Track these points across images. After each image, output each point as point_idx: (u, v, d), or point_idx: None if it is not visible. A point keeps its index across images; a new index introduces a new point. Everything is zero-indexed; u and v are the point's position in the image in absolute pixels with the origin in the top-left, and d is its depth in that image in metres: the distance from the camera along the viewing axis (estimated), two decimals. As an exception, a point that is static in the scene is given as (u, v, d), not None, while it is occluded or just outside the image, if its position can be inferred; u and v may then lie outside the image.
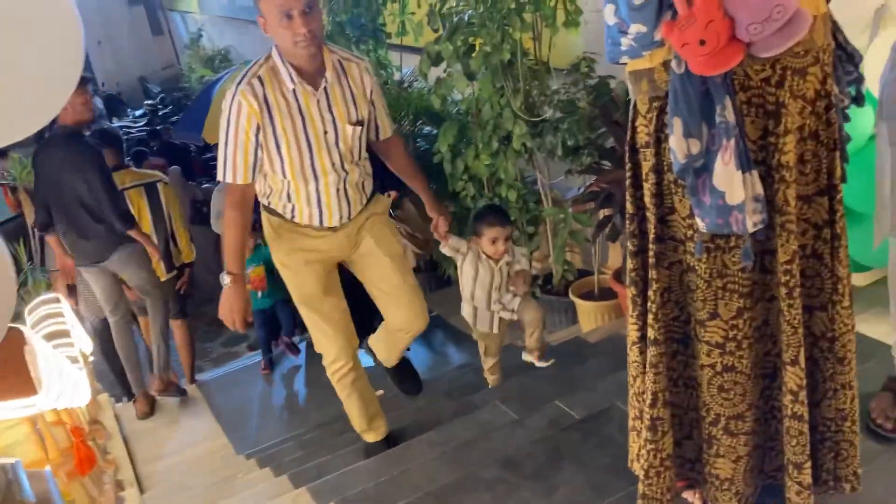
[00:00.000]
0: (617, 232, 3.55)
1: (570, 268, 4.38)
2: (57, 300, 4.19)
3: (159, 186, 4.95)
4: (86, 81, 4.76)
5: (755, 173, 1.53)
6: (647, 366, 1.78)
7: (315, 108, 2.53)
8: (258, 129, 2.49)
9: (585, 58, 3.97)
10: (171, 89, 16.51)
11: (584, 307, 4.18)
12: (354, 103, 2.61)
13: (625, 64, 1.67)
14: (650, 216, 1.70)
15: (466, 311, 3.37)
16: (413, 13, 5.42)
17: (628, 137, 1.72)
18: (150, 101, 15.81)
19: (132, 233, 4.38)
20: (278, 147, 2.52)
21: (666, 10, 1.47)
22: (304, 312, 2.85)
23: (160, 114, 14.25)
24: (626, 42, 1.57)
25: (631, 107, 1.71)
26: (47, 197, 4.34)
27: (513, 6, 3.95)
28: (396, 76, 5.81)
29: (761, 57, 1.48)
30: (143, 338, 5.37)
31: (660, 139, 1.63)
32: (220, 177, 2.55)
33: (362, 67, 2.65)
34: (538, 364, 3.35)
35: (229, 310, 2.62)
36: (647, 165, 1.68)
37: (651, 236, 1.70)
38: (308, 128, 2.53)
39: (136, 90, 18.52)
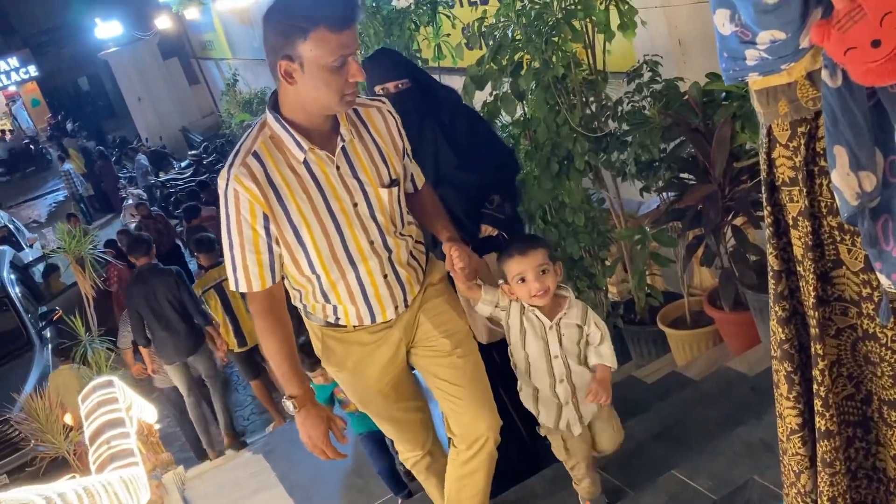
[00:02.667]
0: (711, 255, 3.14)
1: (654, 293, 3.94)
2: (110, 384, 4.03)
3: (224, 285, 5.50)
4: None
5: (956, 210, 1.13)
6: (820, 463, 1.37)
7: (335, 177, 2.00)
8: (266, 219, 1.96)
9: (647, 61, 3.57)
10: (213, 137, 16.58)
11: (675, 337, 3.75)
12: (384, 159, 2.08)
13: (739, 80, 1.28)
14: (805, 272, 1.30)
15: (525, 394, 2.41)
16: (448, 34, 5.10)
17: (763, 173, 1.33)
18: (193, 151, 15.88)
19: (209, 329, 5.51)
20: (298, 235, 2.00)
21: (814, 7, 1.07)
22: (368, 412, 2.42)
23: (205, 162, 14.25)
24: (753, 55, 1.19)
25: (762, 134, 1.32)
26: (145, 319, 5.36)
27: (559, 15, 3.59)
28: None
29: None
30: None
31: (812, 174, 1.24)
32: (232, 286, 2.05)
33: (384, 111, 2.13)
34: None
35: (309, 438, 2.09)
36: (794, 208, 1.28)
37: (811, 299, 1.30)
38: (332, 203, 2.00)
39: (180, 141, 18.67)
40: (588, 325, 2.29)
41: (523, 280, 2.24)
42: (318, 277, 2.07)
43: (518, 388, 2.41)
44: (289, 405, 2.09)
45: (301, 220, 1.98)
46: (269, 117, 1.97)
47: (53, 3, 26.10)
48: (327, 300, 2.12)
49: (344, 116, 2.00)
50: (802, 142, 1.23)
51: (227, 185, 1.94)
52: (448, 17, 4.99)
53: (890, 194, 1.14)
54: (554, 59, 3.64)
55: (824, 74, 1.14)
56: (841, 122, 1.13)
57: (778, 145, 1.28)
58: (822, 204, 1.24)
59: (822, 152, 1.20)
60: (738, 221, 3.17)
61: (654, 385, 3.41)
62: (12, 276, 8.47)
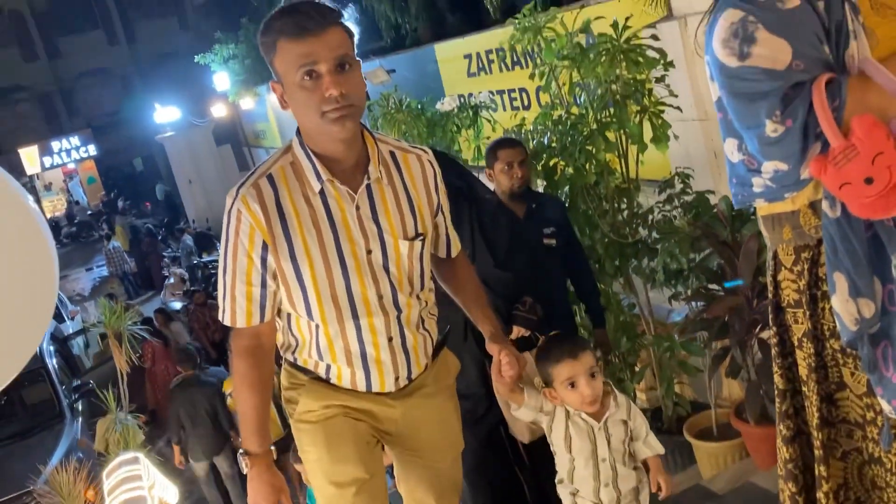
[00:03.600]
0: (737, 367, 3.13)
1: (681, 401, 3.92)
2: (136, 460, 4.09)
3: None
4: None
5: (955, 340, 1.16)
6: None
7: (353, 217, 1.79)
8: (265, 248, 1.76)
9: (679, 173, 3.66)
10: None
11: (702, 448, 3.69)
12: (413, 210, 1.86)
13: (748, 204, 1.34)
14: (809, 393, 1.33)
15: (562, 495, 2.25)
16: (488, 137, 5.27)
17: (770, 294, 1.38)
18: (238, 235, 16.15)
19: (233, 433, 5.95)
20: (299, 273, 1.78)
21: (814, 141, 1.15)
22: (325, 496, 1.98)
23: (247, 246, 14.48)
24: (759, 182, 1.26)
25: (770, 257, 1.37)
26: (182, 420, 6.03)
27: (594, 126, 3.72)
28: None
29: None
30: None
31: (815, 298, 1.29)
32: (220, 315, 1.86)
33: (424, 160, 1.91)
34: None
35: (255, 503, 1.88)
36: (799, 329, 1.33)
37: (815, 420, 1.32)
38: (343, 244, 1.78)
39: (225, 225, 19.07)
40: (633, 418, 2.18)
41: (573, 385, 2.07)
42: (317, 328, 1.86)
43: (557, 481, 2.27)
44: (244, 462, 1.88)
45: (304, 257, 1.77)
46: (295, 141, 1.81)
47: (118, 88, 27.51)
48: (321, 357, 1.89)
49: (376, 154, 1.83)
50: (806, 266, 1.28)
51: (232, 203, 1.78)
52: (489, 121, 5.17)
53: (889, 322, 1.18)
54: (588, 166, 3.76)
55: (825, 205, 1.20)
56: (840, 251, 1.19)
57: (783, 269, 1.33)
58: (825, 327, 1.28)
59: (824, 277, 1.25)
60: (765, 335, 3.17)
61: (677, 497, 3.35)
62: (51, 348, 8.65)
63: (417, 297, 1.90)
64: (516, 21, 4.05)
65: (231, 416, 6.09)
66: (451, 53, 8.43)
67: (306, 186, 1.78)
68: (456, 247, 2.09)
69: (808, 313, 1.29)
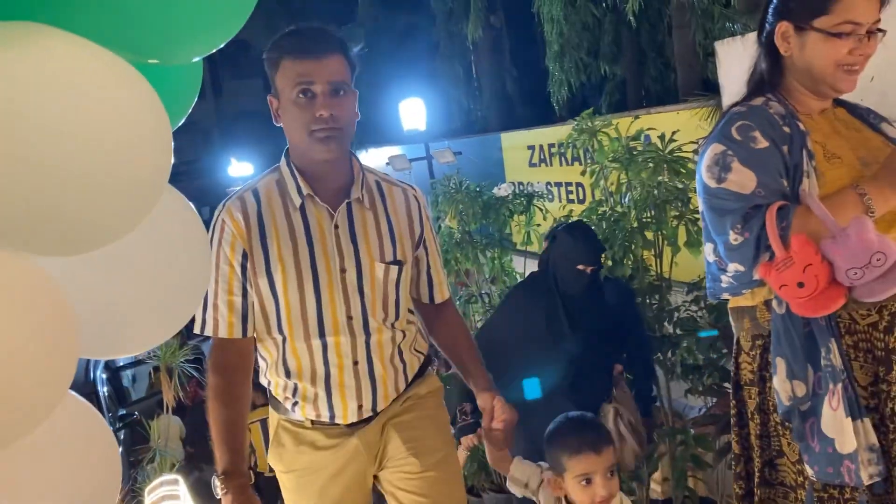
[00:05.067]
0: (738, 460, 3.34)
1: (691, 495, 4.10)
2: (176, 482, 4.39)
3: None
4: None
5: (867, 421, 1.45)
6: None
7: (330, 235, 1.81)
8: (245, 257, 1.79)
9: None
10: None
11: (705, 541, 3.86)
12: (392, 237, 1.87)
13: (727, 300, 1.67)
14: (756, 458, 1.62)
15: None
16: (539, 224, 5.64)
17: (732, 373, 1.68)
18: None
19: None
20: (272, 284, 1.79)
21: (764, 251, 1.48)
22: None
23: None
24: (725, 279, 1.58)
25: (734, 342, 1.68)
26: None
27: (635, 224, 4.04)
28: (519, 283, 5.96)
29: (866, 301, 1.44)
30: None
31: (764, 378, 1.59)
32: (196, 327, 1.81)
33: (410, 194, 1.96)
34: None
35: None
36: (752, 404, 1.63)
37: (756, 479, 1.61)
38: (318, 260, 1.79)
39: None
40: None
41: (588, 482, 1.82)
42: (284, 340, 1.84)
43: None
44: (217, 484, 1.79)
45: (279, 269, 1.78)
46: (283, 160, 1.87)
47: (198, 138, 28.90)
48: (288, 375, 1.86)
49: (360, 178, 1.87)
50: (758, 352, 1.59)
51: (218, 215, 1.84)
52: (541, 209, 5.56)
53: (817, 402, 1.47)
54: (626, 261, 4.07)
55: (774, 303, 1.51)
56: (783, 340, 1.49)
57: (742, 352, 1.64)
58: (770, 403, 1.58)
59: (772, 361, 1.55)
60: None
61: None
62: (103, 376, 9.11)
63: (392, 325, 1.87)
64: (575, 122, 4.46)
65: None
66: (515, 142, 8.90)
67: (288, 201, 1.82)
68: (441, 293, 2.04)
69: (758, 390, 1.60)
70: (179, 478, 4.41)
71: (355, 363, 1.83)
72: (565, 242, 2.84)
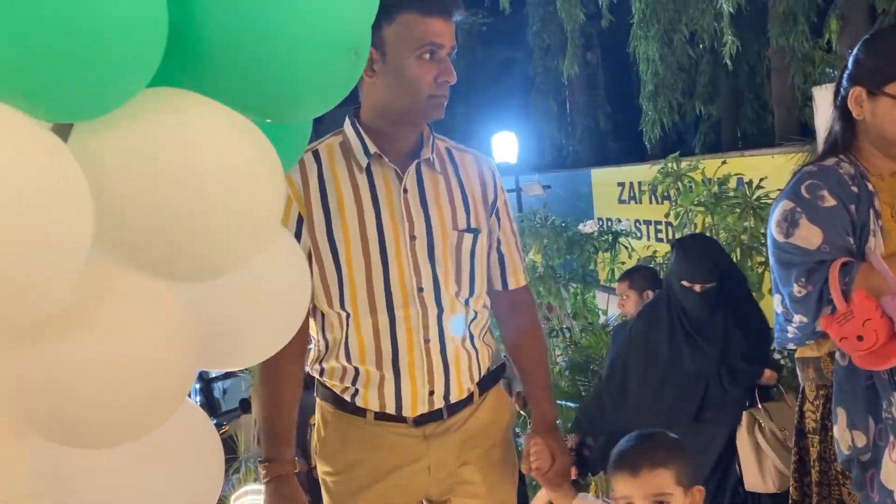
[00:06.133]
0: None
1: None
2: (260, 492, 4.58)
3: None
4: None
5: (927, 476, 1.48)
6: None
7: (398, 199, 1.62)
8: (300, 223, 1.60)
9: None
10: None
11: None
12: (465, 202, 1.69)
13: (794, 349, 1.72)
14: (815, 505, 1.67)
15: None
16: (623, 262, 5.68)
17: (796, 421, 1.73)
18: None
19: None
20: (335, 253, 1.60)
21: (826, 304, 1.53)
22: None
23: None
24: (791, 330, 1.64)
25: (800, 391, 1.74)
26: None
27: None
28: (602, 319, 5.99)
29: (927, 359, 1.48)
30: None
31: (826, 427, 1.64)
32: None
33: (482, 159, 1.77)
34: None
35: None
36: (814, 452, 1.67)
37: (816, 527, 1.65)
38: (385, 226, 1.61)
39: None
40: None
41: None
42: (348, 316, 1.62)
43: None
44: (262, 473, 1.64)
45: (342, 236, 1.60)
46: (347, 121, 1.67)
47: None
48: (349, 359, 1.64)
49: (429, 142, 1.67)
50: (822, 402, 1.64)
51: None
52: (626, 247, 5.60)
53: (877, 454, 1.51)
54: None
55: (837, 355, 1.57)
56: (845, 391, 1.54)
57: (807, 401, 1.69)
58: (832, 451, 1.62)
59: (833, 411, 1.60)
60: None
61: None
62: (197, 386, 9.56)
63: (466, 302, 1.67)
64: (660, 165, 4.51)
65: None
66: (605, 179, 8.94)
67: (353, 163, 1.64)
68: (516, 277, 1.80)
69: (819, 438, 1.64)
70: (264, 488, 4.62)
71: (426, 341, 1.62)
72: (674, 256, 2.76)
